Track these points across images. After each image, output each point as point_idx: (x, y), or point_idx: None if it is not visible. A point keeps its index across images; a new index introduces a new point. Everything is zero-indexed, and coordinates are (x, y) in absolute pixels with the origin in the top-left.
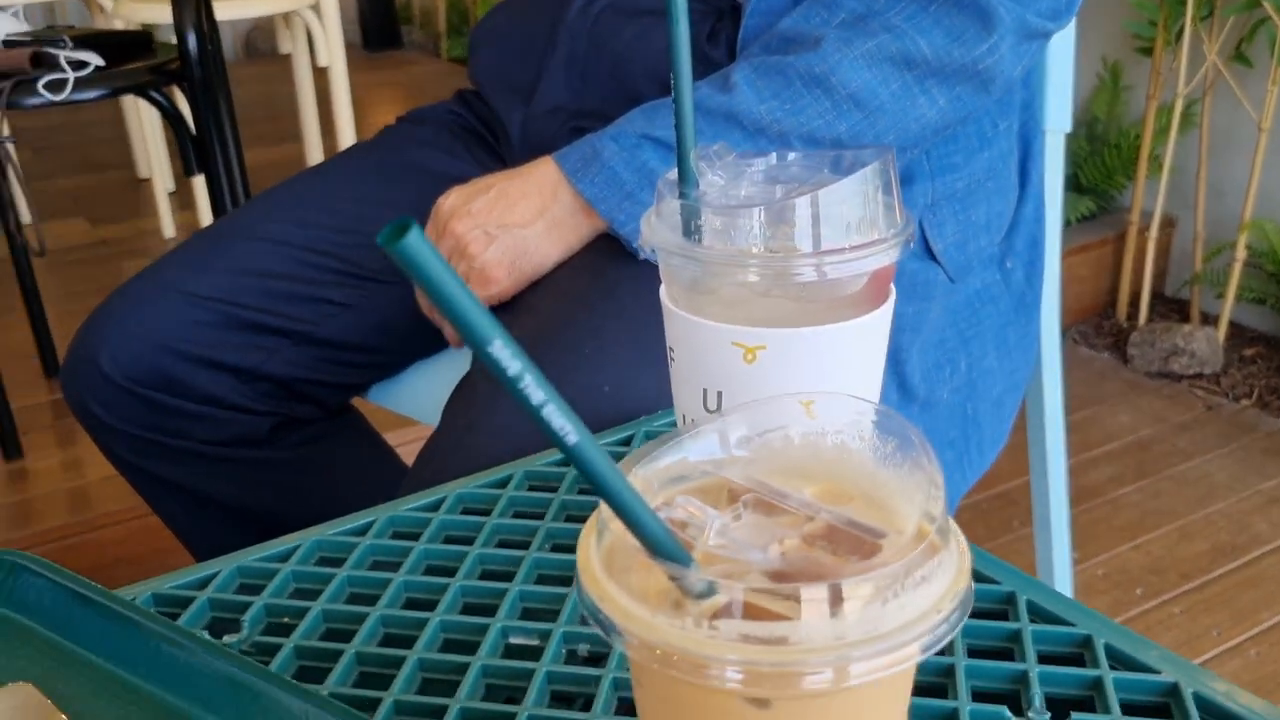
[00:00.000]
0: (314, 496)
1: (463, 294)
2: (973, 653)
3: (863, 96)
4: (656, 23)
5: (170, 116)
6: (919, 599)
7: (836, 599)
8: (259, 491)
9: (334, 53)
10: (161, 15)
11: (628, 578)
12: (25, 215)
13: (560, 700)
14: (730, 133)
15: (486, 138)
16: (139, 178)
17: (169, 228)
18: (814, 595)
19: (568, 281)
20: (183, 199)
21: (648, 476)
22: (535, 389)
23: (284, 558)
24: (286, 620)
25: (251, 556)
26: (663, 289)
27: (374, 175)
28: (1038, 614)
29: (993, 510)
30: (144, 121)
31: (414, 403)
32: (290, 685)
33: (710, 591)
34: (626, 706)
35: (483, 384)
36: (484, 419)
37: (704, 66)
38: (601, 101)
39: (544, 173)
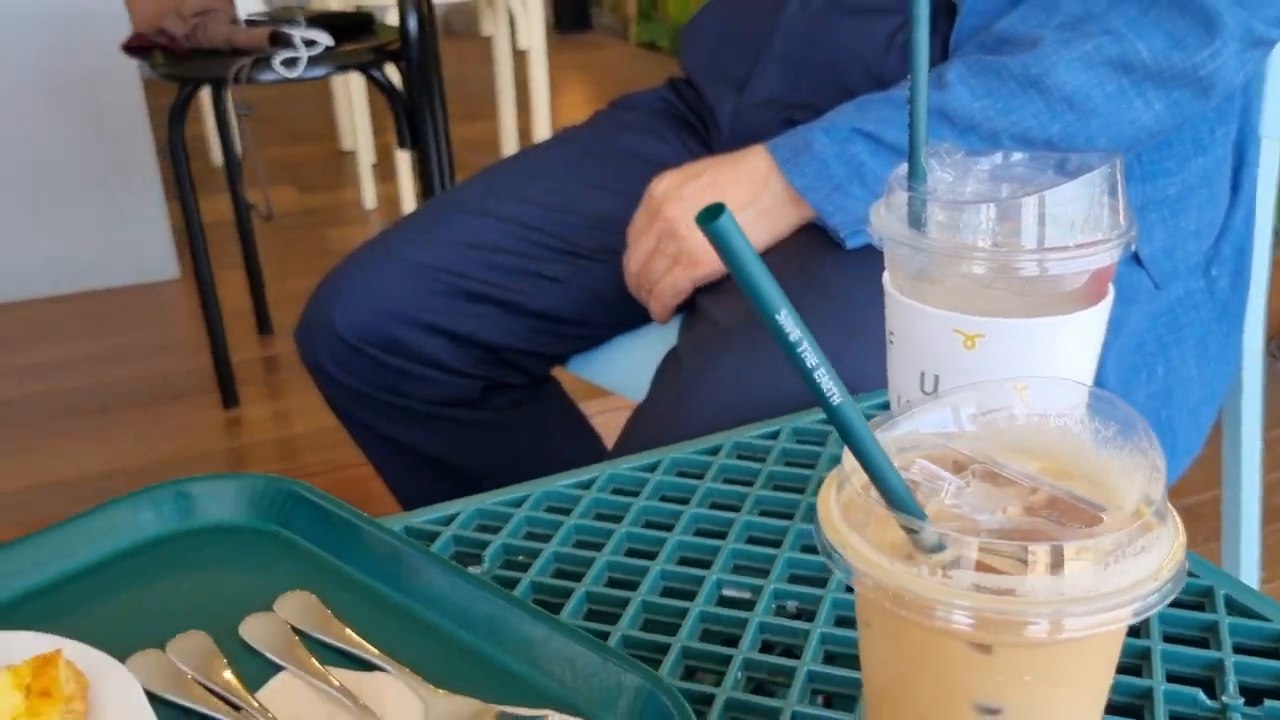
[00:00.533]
0: (513, 456)
1: (759, 268)
2: (1169, 639)
3: (1077, 99)
4: (870, 21)
5: (388, 93)
6: (1135, 568)
7: (1059, 560)
8: (465, 449)
9: (534, 36)
10: None
11: (864, 530)
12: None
13: (769, 649)
14: (941, 129)
15: (696, 125)
16: (342, 150)
17: (370, 199)
18: (1039, 555)
19: (774, 267)
20: (383, 171)
21: (885, 442)
22: (810, 354)
23: (518, 504)
24: (521, 559)
25: (489, 500)
26: (886, 275)
27: (587, 158)
28: (1235, 608)
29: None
30: (352, 97)
31: (610, 374)
32: (532, 609)
33: (941, 546)
34: (831, 658)
35: (689, 360)
36: (691, 393)
37: None
38: (813, 95)
39: (755, 161)
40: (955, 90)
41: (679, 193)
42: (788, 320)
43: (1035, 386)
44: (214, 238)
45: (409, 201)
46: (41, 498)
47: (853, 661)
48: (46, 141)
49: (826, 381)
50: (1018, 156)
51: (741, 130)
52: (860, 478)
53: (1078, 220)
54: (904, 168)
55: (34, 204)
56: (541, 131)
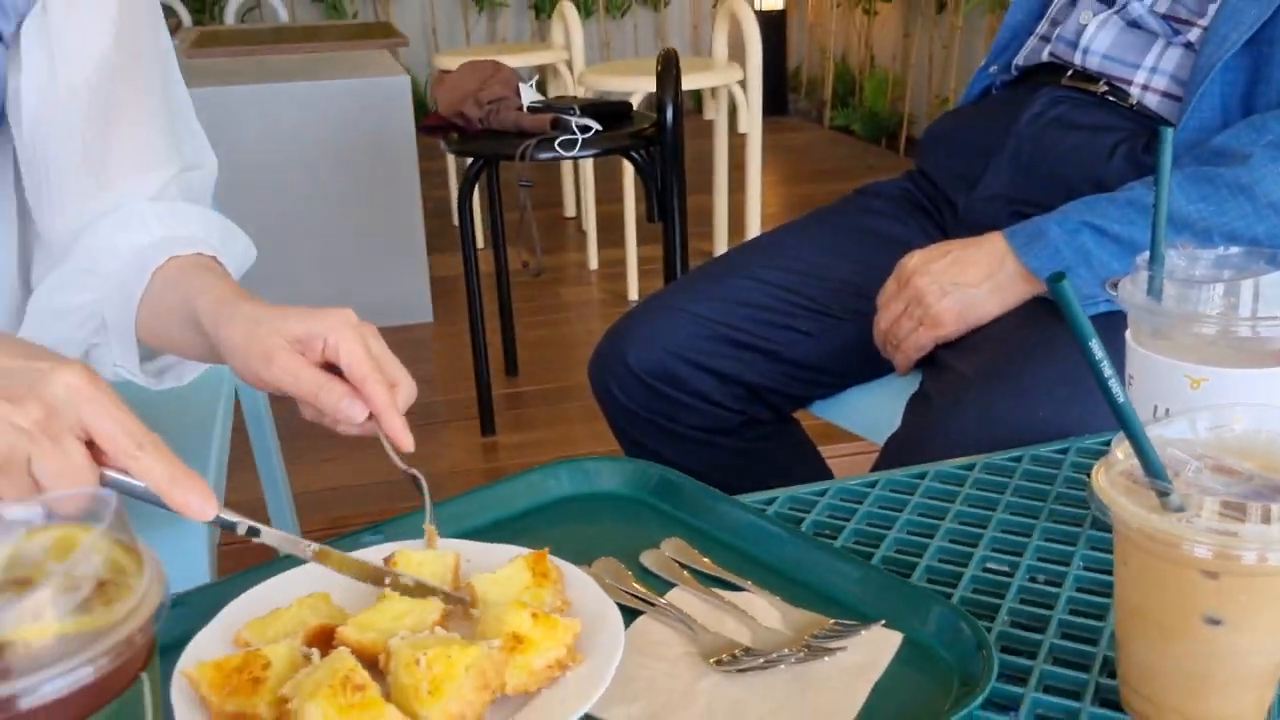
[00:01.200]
0: (758, 480)
1: (1078, 308)
2: None
3: None
4: (1094, 135)
5: (644, 172)
6: None
7: (1266, 516)
8: (719, 470)
9: (753, 122)
10: (622, 85)
11: (1125, 495)
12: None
13: (1030, 602)
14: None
15: (932, 212)
16: (565, 216)
17: (593, 260)
18: (1253, 510)
19: (1007, 330)
20: (605, 237)
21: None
22: (1106, 367)
23: (820, 494)
24: (828, 532)
25: (801, 491)
26: (1129, 333)
27: (838, 234)
28: None
29: None
30: (579, 171)
31: (849, 416)
32: (849, 555)
33: (1182, 507)
34: (1074, 611)
35: (938, 400)
36: (942, 424)
37: (1139, 172)
38: (1038, 193)
39: (994, 245)
40: (1175, 195)
41: (927, 268)
42: (1097, 347)
43: (1246, 414)
44: (462, 289)
45: (633, 265)
46: (339, 497)
47: (1092, 609)
48: (335, 200)
49: (1116, 387)
50: (1235, 250)
51: (972, 220)
52: (1123, 462)
53: None
54: (1145, 255)
55: (320, 251)
56: (753, 206)
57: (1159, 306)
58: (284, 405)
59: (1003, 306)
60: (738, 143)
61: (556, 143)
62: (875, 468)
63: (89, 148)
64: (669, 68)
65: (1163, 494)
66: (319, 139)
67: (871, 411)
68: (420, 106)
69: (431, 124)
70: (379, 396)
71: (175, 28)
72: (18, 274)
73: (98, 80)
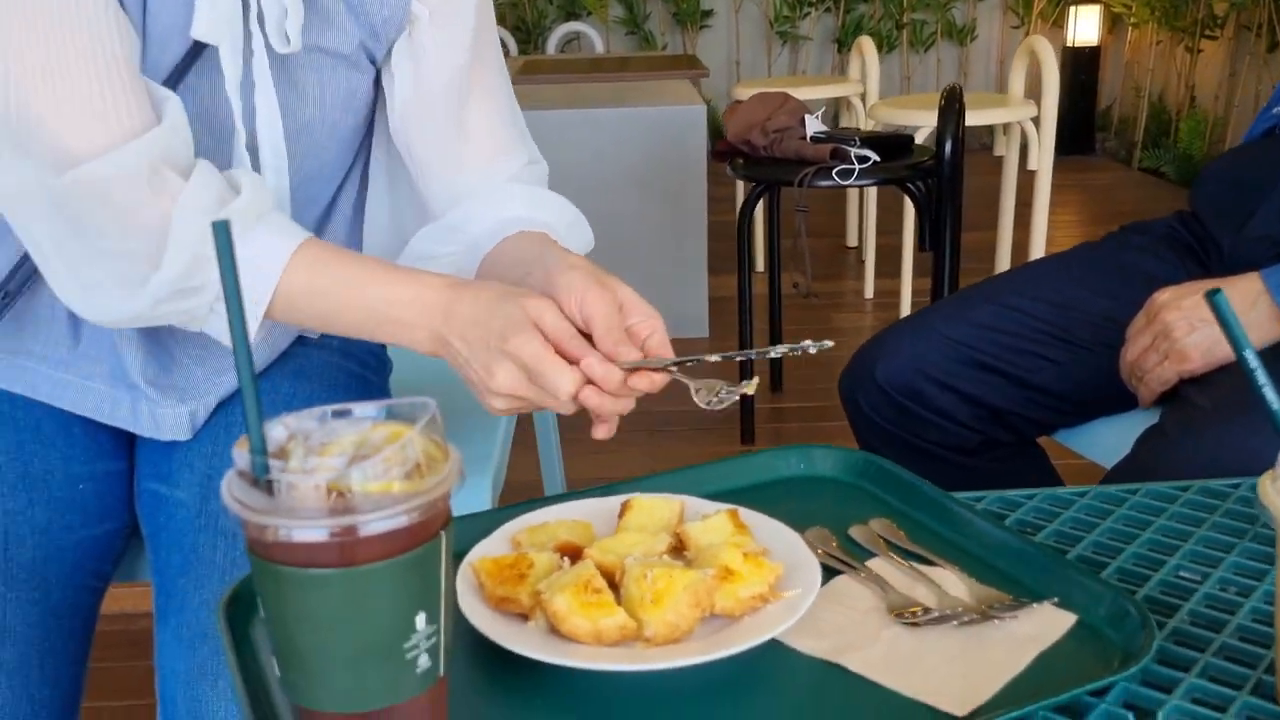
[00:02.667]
0: None
1: (1233, 318)
2: None
3: None
4: None
5: (919, 203)
6: None
7: None
8: (954, 488)
9: (1044, 160)
10: (910, 118)
11: None
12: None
13: (1214, 607)
14: None
15: (1198, 252)
16: (847, 245)
17: (869, 289)
18: None
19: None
20: (882, 267)
21: None
22: (1260, 373)
23: (1028, 498)
24: (1028, 531)
25: (1011, 493)
26: None
27: (1097, 268)
28: None
29: None
30: (864, 202)
31: (1091, 445)
32: (1044, 547)
33: None
34: (1262, 619)
35: (1171, 432)
36: (1171, 453)
37: None
38: None
39: (1249, 284)
40: None
41: (1178, 303)
42: (1252, 356)
43: None
44: (736, 309)
45: (906, 295)
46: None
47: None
48: (630, 216)
49: (1270, 394)
50: None
51: (1239, 260)
52: None
53: None
54: None
55: (609, 262)
56: (1038, 245)
57: None
58: None
59: (1254, 346)
60: (1027, 180)
61: (834, 171)
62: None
63: (447, 142)
64: (951, 103)
65: None
66: (621, 160)
67: (1112, 442)
68: (716, 133)
69: (721, 149)
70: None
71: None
72: (389, 224)
73: (455, 84)
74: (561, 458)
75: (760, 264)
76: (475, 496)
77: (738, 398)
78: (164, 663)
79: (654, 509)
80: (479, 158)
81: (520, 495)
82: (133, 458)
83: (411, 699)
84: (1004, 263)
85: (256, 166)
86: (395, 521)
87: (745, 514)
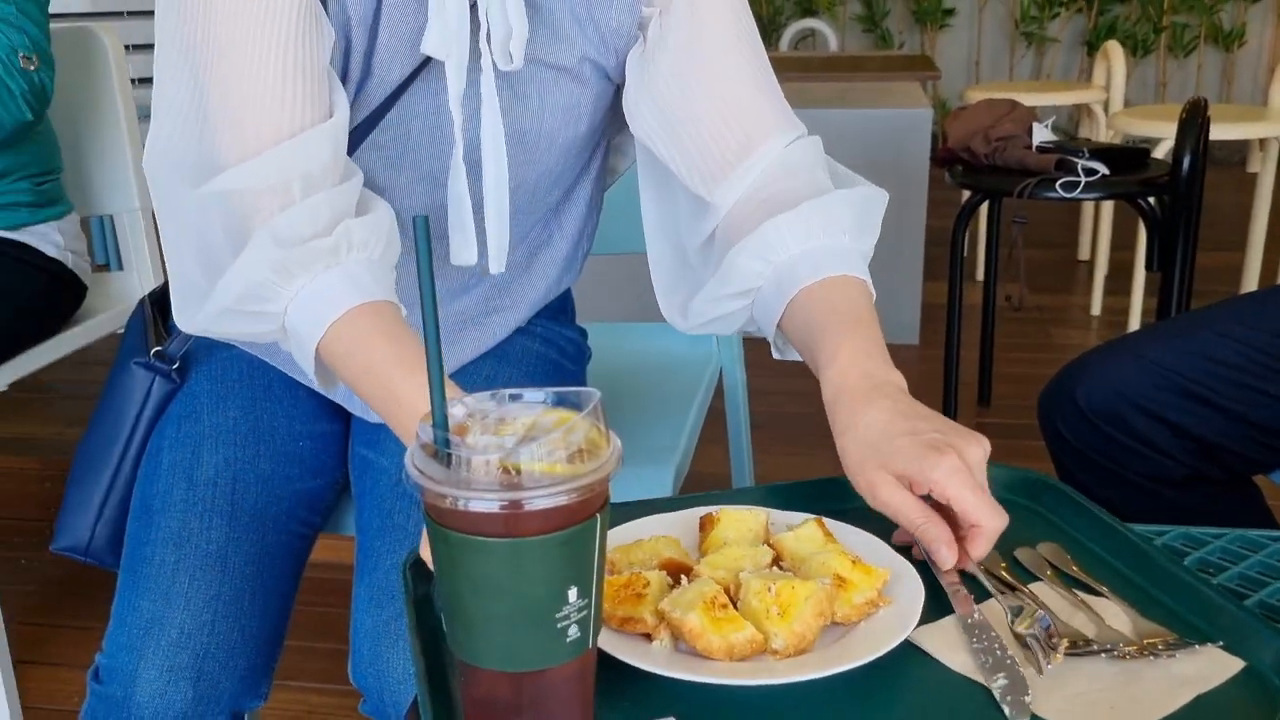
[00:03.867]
0: None
1: None
2: None
3: None
4: None
5: (1149, 220)
6: None
7: None
8: (1156, 520)
9: None
10: (1152, 130)
11: None
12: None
13: None
14: None
15: None
16: (1079, 259)
17: (1097, 306)
18: None
19: None
20: (1113, 284)
21: None
22: None
23: (1215, 536)
24: (1209, 570)
25: (1198, 530)
26: None
27: None
28: None
29: None
30: (1100, 213)
31: None
32: (1207, 581)
33: None
34: None
35: None
36: None
37: None
38: None
39: None
40: None
41: None
42: None
43: None
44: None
45: (1135, 315)
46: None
47: None
48: None
49: None
50: None
51: None
52: None
53: None
54: None
55: None
56: None
57: None
58: (763, 399)
59: None
60: None
61: (1058, 184)
62: None
63: (699, 123)
64: (1194, 115)
65: None
66: (843, 161)
67: None
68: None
69: (943, 156)
70: (979, 544)
71: None
72: (665, 239)
73: (682, 69)
74: (751, 454)
75: (979, 273)
76: (657, 483)
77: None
78: (357, 616)
79: (741, 520)
80: (740, 139)
81: (709, 486)
82: (349, 422)
83: (561, 665)
84: (1250, 287)
85: (475, 178)
86: (556, 500)
87: (828, 523)
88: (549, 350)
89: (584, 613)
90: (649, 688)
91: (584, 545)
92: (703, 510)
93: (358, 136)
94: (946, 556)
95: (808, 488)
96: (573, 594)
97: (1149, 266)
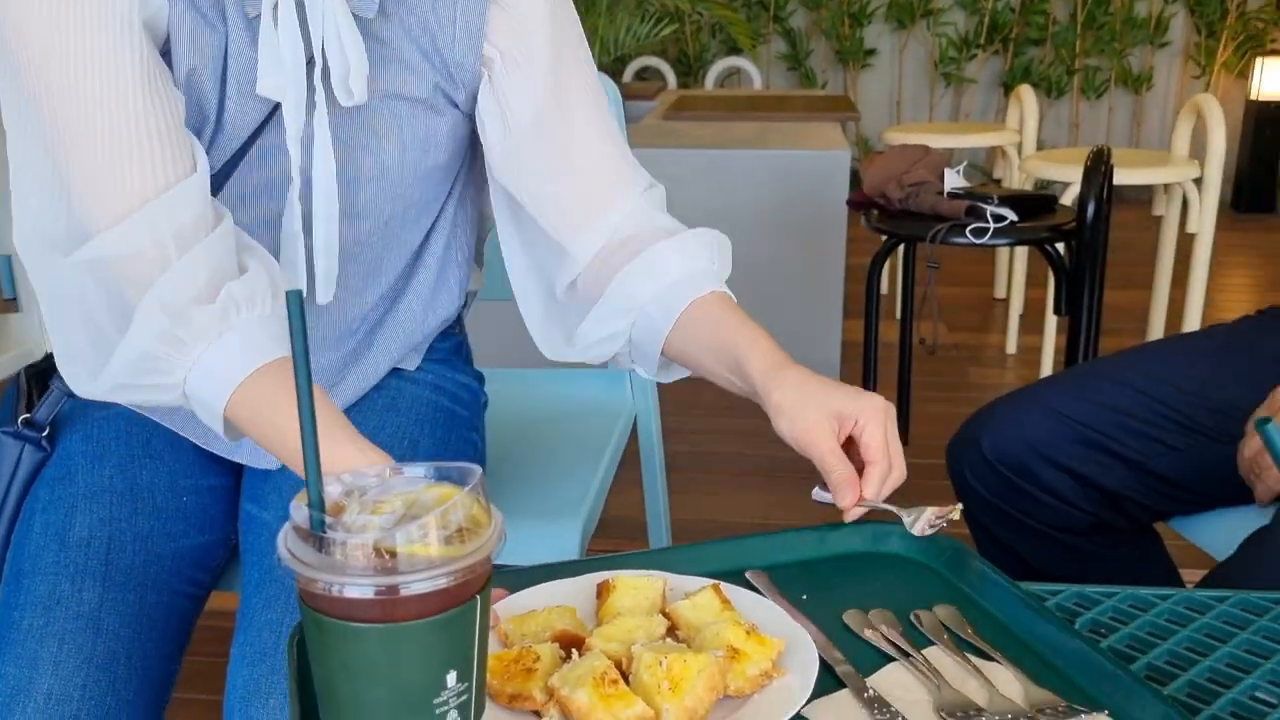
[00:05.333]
0: (1102, 584)
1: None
2: None
3: None
4: None
5: (1055, 266)
6: None
7: None
8: (1061, 567)
9: (1205, 224)
10: (1061, 174)
11: None
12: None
13: None
14: None
15: None
16: (995, 297)
17: (1012, 345)
18: None
19: None
20: (1029, 323)
21: None
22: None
23: (1107, 595)
24: (1102, 631)
25: (1091, 589)
26: None
27: (1230, 354)
28: None
29: None
30: (1014, 253)
31: (1207, 537)
32: (1102, 650)
33: None
34: None
35: (1277, 533)
36: (1272, 559)
37: None
38: None
39: None
40: None
41: None
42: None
43: None
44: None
45: (1049, 354)
46: (713, 529)
47: None
48: (766, 259)
49: None
50: None
51: None
52: None
53: None
54: None
55: (749, 308)
56: (1194, 309)
57: None
58: (679, 438)
59: None
60: (1189, 240)
61: (968, 229)
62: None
63: (558, 179)
64: (1097, 164)
65: None
66: (762, 202)
67: (1226, 536)
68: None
69: (856, 200)
70: (874, 482)
71: (660, 90)
72: (528, 267)
73: (547, 123)
74: (667, 501)
75: (898, 312)
76: (563, 540)
77: (945, 524)
78: (232, 671)
79: (638, 588)
80: (605, 195)
81: (623, 530)
82: (239, 476)
83: None
84: (1157, 325)
85: (309, 215)
86: (434, 583)
87: (726, 589)
88: (440, 398)
89: (464, 697)
90: None
91: (464, 628)
92: (600, 576)
93: (215, 185)
94: (848, 495)
95: (709, 550)
96: (451, 678)
97: (1057, 311)
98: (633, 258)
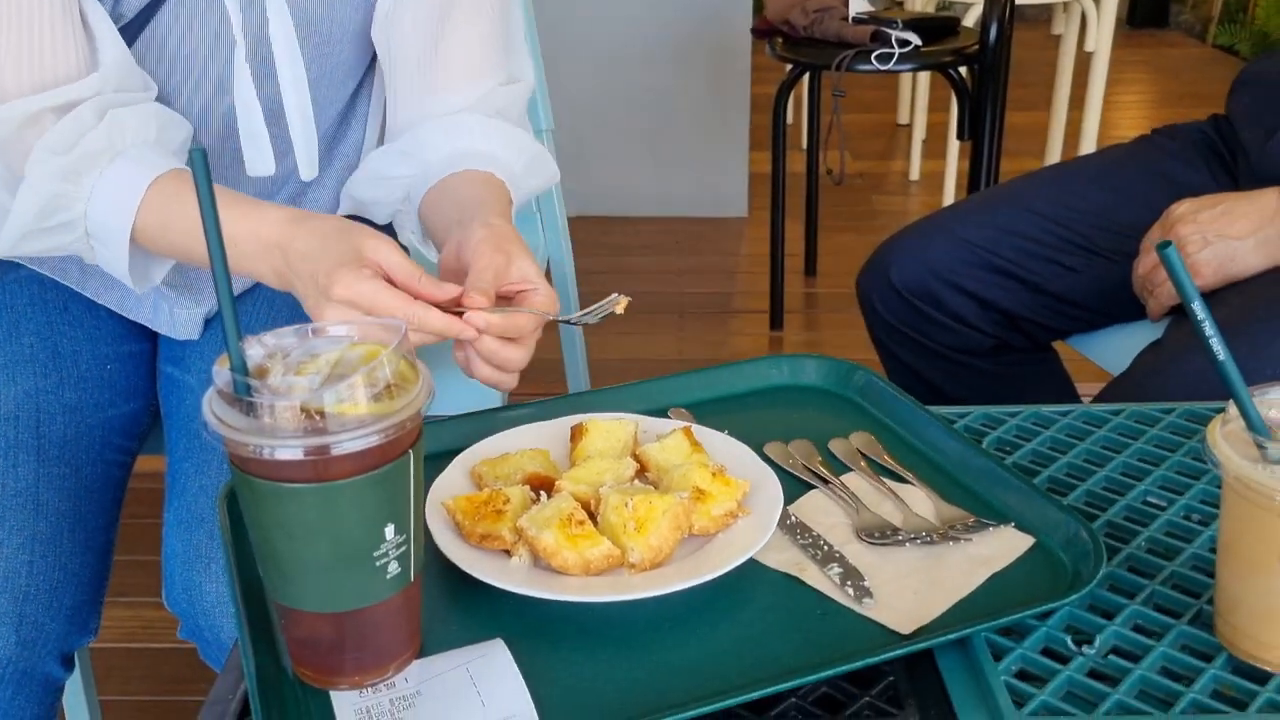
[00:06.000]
0: (1005, 403)
1: (1182, 272)
2: None
3: None
4: None
5: (958, 90)
6: None
7: None
8: (967, 389)
9: (1102, 41)
10: None
11: (1234, 447)
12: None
13: (1172, 535)
14: None
15: (1227, 160)
16: (898, 123)
17: (915, 171)
18: None
19: (1259, 286)
20: (931, 148)
21: (1260, 398)
22: (1208, 325)
23: (1012, 414)
24: (1007, 449)
25: (996, 409)
26: None
27: (1123, 173)
28: None
29: None
30: (917, 77)
31: (1103, 354)
32: (1007, 466)
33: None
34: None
35: (1170, 348)
36: (1164, 372)
37: None
38: None
39: (1267, 200)
40: None
41: (1194, 216)
42: (1199, 308)
43: None
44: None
45: (951, 179)
46: (631, 368)
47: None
48: (670, 95)
49: (1217, 345)
50: None
51: (1265, 170)
52: (1237, 418)
53: None
54: None
55: (652, 142)
56: (1090, 129)
57: None
58: (590, 279)
59: (1268, 262)
60: (1087, 59)
61: (874, 55)
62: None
63: (423, 54)
64: None
65: (1261, 446)
66: (662, 32)
67: (1124, 352)
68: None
69: (760, 28)
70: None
71: None
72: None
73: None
74: (584, 339)
75: (804, 141)
76: (484, 390)
77: (607, 313)
78: (167, 541)
79: (610, 431)
80: (445, 82)
81: (543, 374)
82: (156, 339)
83: (383, 602)
84: (1055, 145)
85: (263, 80)
86: (366, 441)
87: (698, 430)
88: None
89: (403, 548)
90: (504, 602)
91: (398, 483)
92: (574, 419)
93: (128, 38)
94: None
95: (630, 391)
96: (390, 531)
97: (960, 136)
98: (444, 117)
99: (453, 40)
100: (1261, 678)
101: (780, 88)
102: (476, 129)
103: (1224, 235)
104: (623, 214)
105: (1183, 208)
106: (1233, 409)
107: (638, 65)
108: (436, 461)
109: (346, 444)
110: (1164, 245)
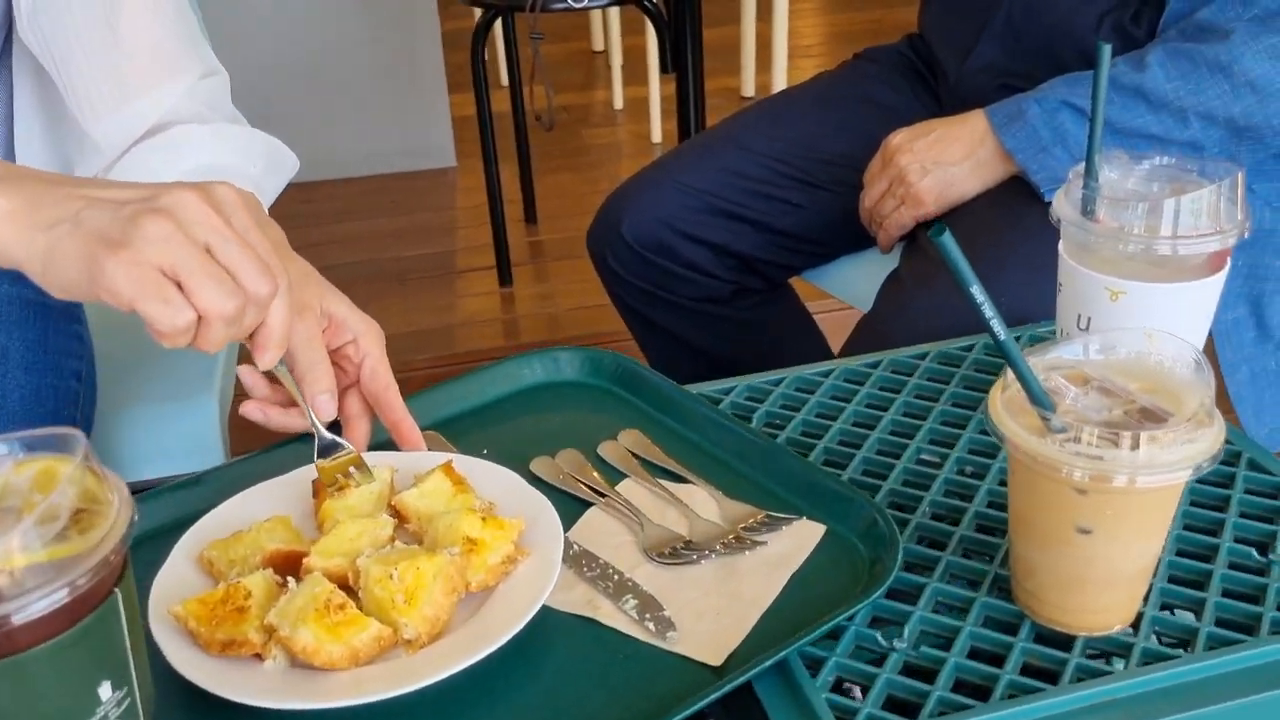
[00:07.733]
0: (753, 345)
1: (959, 257)
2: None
3: (1260, 84)
4: (1084, 3)
5: (658, 23)
6: (1187, 450)
7: (1135, 443)
8: (715, 338)
9: None
10: None
11: (1017, 417)
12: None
13: (952, 495)
14: (1137, 105)
15: (928, 79)
16: (594, 50)
17: (619, 100)
18: (1124, 438)
19: (983, 210)
20: (631, 74)
21: (1035, 361)
22: (988, 308)
23: (776, 383)
24: (777, 423)
25: (758, 379)
26: (1061, 244)
27: (832, 103)
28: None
29: None
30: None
31: (836, 284)
32: (788, 451)
33: (1063, 429)
34: (991, 504)
35: (909, 283)
36: (908, 310)
37: (1125, 42)
38: (1029, 66)
39: (976, 123)
40: (1153, 71)
41: (910, 146)
42: (978, 292)
43: (1157, 336)
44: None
45: (656, 105)
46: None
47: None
48: (352, 42)
49: (998, 326)
50: (1168, 161)
51: (963, 92)
52: (1017, 386)
53: (1205, 214)
54: (1082, 166)
55: (340, 95)
56: (779, 38)
57: (1087, 223)
58: (307, 254)
59: (983, 185)
60: None
61: None
62: (845, 347)
63: (97, 50)
64: None
65: (1045, 419)
66: None
67: (856, 281)
68: None
69: None
70: (397, 408)
71: None
72: (51, 161)
73: None
74: None
75: (504, 79)
76: (199, 421)
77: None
78: None
79: (361, 489)
80: (144, 79)
81: None
82: None
83: None
84: (749, 62)
85: None
86: (53, 600)
87: (460, 462)
88: (26, 290)
89: (125, 703)
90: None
91: (106, 633)
92: (313, 470)
93: None
94: (329, 409)
95: (417, 402)
96: (105, 690)
97: (664, 69)
98: (158, 134)
99: (132, 34)
100: (1065, 643)
101: (474, 33)
102: (204, 141)
103: (940, 162)
104: (322, 178)
105: (899, 138)
106: (1010, 375)
107: (316, 20)
108: (152, 544)
109: (33, 607)
110: (938, 232)
